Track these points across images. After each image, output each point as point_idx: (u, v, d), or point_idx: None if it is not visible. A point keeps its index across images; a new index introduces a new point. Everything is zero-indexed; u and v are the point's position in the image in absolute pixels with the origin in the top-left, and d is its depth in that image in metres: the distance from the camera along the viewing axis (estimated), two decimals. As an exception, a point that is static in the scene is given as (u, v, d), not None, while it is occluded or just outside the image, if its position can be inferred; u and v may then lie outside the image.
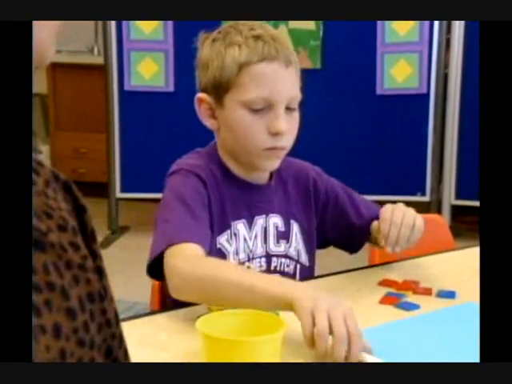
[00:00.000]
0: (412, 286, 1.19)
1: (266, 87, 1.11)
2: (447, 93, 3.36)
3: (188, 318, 1.01)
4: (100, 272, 0.53)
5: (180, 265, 1.01)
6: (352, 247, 1.32)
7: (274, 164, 1.18)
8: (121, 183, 3.51)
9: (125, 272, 3.17)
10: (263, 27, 1.17)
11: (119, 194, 3.54)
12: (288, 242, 1.23)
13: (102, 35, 3.42)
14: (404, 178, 3.42)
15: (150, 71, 3.36)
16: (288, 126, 1.13)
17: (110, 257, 3.38)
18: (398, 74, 3.31)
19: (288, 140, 1.15)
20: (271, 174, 1.23)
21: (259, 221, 1.20)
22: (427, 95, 3.32)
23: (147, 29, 3.31)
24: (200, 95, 1.17)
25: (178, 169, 1.16)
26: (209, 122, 1.18)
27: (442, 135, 3.40)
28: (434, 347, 0.99)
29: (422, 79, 3.31)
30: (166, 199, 1.13)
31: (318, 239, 1.28)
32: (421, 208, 3.51)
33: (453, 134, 3.40)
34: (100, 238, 3.62)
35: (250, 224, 1.19)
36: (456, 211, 3.56)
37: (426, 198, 3.41)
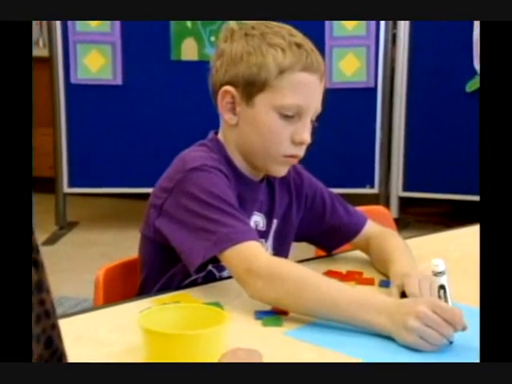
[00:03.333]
0: (355, 277, 1.21)
1: (302, 96, 1.14)
2: (394, 87, 3.41)
3: (129, 313, 1.00)
4: (36, 265, 0.52)
5: (262, 265, 1.01)
6: (328, 248, 1.33)
7: (285, 171, 1.20)
8: (68, 178, 3.45)
9: (73, 268, 3.12)
10: (299, 34, 1.16)
11: (67, 189, 3.49)
12: (266, 241, 1.23)
13: (47, 27, 3.36)
14: (353, 170, 3.45)
15: (96, 64, 3.31)
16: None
17: (58, 253, 3.33)
18: (347, 67, 3.34)
19: (304, 150, 1.17)
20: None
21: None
22: (375, 89, 3.36)
23: (93, 21, 3.25)
24: (227, 88, 1.13)
25: (199, 165, 1.11)
26: (227, 116, 1.16)
27: (389, 128, 3.45)
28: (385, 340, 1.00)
29: (370, 73, 3.35)
30: (201, 198, 1.07)
31: (296, 233, 1.29)
32: (370, 200, 3.52)
33: (400, 128, 3.45)
34: (47, 234, 3.56)
35: (249, 219, 1.18)
36: (404, 203, 3.62)
37: (375, 190, 3.46)
